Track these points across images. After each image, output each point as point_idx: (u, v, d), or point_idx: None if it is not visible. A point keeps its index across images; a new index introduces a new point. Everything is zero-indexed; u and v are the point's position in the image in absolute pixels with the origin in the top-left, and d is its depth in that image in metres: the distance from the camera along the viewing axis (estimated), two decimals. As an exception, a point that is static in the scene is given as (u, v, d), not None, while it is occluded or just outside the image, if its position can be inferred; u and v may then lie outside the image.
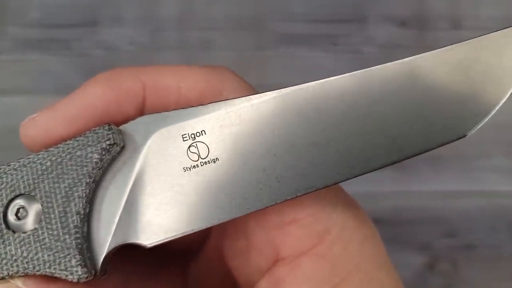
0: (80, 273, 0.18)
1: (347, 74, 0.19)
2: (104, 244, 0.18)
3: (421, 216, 0.42)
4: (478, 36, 0.19)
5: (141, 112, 0.21)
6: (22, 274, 0.18)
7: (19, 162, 0.19)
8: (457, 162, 0.43)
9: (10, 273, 0.18)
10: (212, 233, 0.25)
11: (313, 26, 0.45)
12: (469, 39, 0.19)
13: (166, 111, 0.19)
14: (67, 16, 0.45)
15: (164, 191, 0.19)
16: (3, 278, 0.18)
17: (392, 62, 0.19)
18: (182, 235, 0.18)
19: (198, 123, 0.19)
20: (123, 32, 0.45)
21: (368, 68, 0.19)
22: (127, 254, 0.22)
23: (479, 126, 0.18)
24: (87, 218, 0.18)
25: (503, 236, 0.41)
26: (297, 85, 0.19)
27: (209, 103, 0.19)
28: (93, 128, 0.19)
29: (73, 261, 0.18)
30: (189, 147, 0.19)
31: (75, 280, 0.18)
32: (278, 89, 0.19)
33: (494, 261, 0.41)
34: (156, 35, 0.45)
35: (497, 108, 0.18)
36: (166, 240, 0.18)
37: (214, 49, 0.44)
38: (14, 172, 0.19)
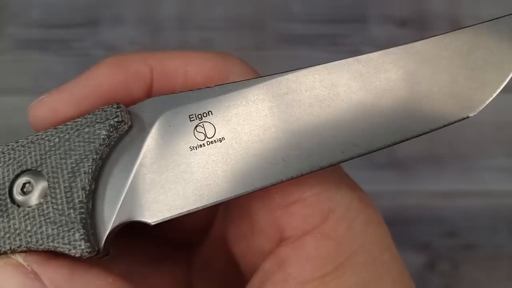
0: (83, 247, 0.18)
1: (352, 58, 0.19)
2: (108, 221, 0.18)
3: (421, 216, 0.42)
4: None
5: (149, 94, 0.21)
6: (25, 249, 0.18)
7: (27, 139, 0.19)
8: (457, 161, 0.43)
9: (13, 247, 0.18)
10: (216, 222, 0.25)
11: (313, 26, 0.45)
12: (469, 26, 0.19)
13: (174, 93, 0.20)
14: (67, 16, 0.45)
15: (170, 170, 0.19)
16: (5, 252, 0.18)
17: (394, 47, 0.19)
18: (186, 212, 0.19)
19: (205, 104, 0.19)
20: (123, 32, 0.45)
21: (371, 53, 0.19)
22: (131, 243, 0.22)
23: (481, 108, 0.18)
24: (92, 194, 0.18)
25: (503, 236, 0.41)
26: (304, 67, 0.19)
27: (216, 85, 0.20)
28: (102, 107, 0.19)
29: (77, 235, 0.18)
30: (196, 127, 0.19)
31: (78, 255, 0.18)
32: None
33: (494, 261, 0.41)
34: (156, 35, 0.45)
35: (497, 91, 0.18)
36: (170, 218, 0.19)
37: (214, 49, 0.44)
38: (22, 148, 0.19)
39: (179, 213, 0.19)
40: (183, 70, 0.21)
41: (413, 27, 0.45)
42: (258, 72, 0.22)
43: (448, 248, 0.41)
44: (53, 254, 0.18)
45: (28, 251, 0.18)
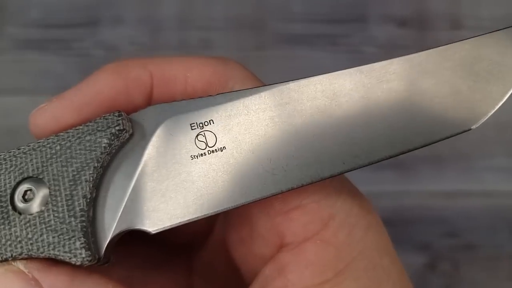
0: (84, 255, 0.18)
1: (355, 68, 0.19)
2: (109, 229, 0.18)
3: (421, 216, 0.42)
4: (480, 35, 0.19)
5: (149, 101, 0.21)
6: (26, 256, 0.18)
7: (29, 146, 0.19)
8: (458, 162, 0.42)
9: (14, 254, 0.18)
10: (216, 226, 0.25)
11: (313, 26, 0.45)
12: (472, 37, 0.19)
13: (175, 100, 0.20)
14: (67, 16, 0.45)
15: (171, 178, 0.19)
16: (6, 259, 0.18)
17: (397, 58, 0.19)
18: (187, 222, 0.19)
19: (207, 113, 0.19)
20: (123, 32, 0.45)
21: (374, 63, 0.19)
22: (131, 248, 0.22)
23: (483, 120, 0.18)
24: (93, 202, 0.18)
25: (504, 236, 0.41)
26: (304, 77, 0.19)
27: (217, 94, 0.20)
28: (103, 115, 0.19)
29: (78, 244, 0.18)
30: (197, 135, 0.19)
31: (79, 263, 0.18)
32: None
33: (495, 261, 0.41)
34: (156, 35, 0.45)
35: (500, 103, 0.19)
36: (170, 227, 0.19)
37: (214, 49, 0.44)
38: (24, 155, 0.19)
39: (180, 222, 0.19)
40: (183, 76, 0.21)
41: (413, 27, 0.45)
42: (257, 75, 0.22)
43: (449, 248, 0.41)
44: (54, 261, 0.18)
45: (29, 258, 0.18)
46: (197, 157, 0.19)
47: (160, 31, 0.45)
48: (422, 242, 0.41)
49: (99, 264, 0.18)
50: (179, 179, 0.19)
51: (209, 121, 0.19)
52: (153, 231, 0.18)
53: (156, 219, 0.18)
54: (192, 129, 0.19)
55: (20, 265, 0.18)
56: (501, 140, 0.43)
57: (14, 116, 0.43)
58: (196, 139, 0.19)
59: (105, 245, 0.18)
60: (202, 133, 0.19)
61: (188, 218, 0.19)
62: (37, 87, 0.44)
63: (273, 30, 0.45)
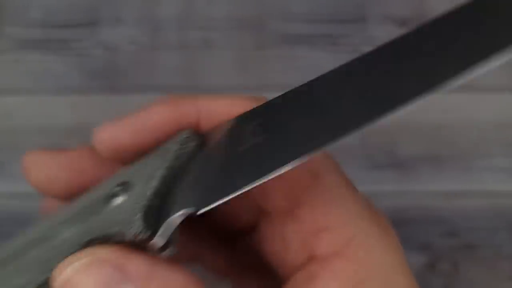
0: (140, 228, 0.20)
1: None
2: (167, 215, 0.20)
3: (421, 216, 0.42)
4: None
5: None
6: (102, 238, 0.20)
7: (132, 164, 0.24)
8: (458, 162, 0.43)
9: (94, 237, 0.21)
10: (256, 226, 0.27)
11: (313, 26, 0.45)
12: None
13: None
14: (67, 16, 0.45)
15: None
16: (90, 241, 0.20)
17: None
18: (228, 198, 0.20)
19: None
20: (123, 32, 0.45)
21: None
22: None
23: None
24: (160, 196, 0.21)
25: (504, 236, 0.41)
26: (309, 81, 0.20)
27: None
28: (178, 131, 0.24)
29: (138, 215, 0.20)
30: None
31: (132, 235, 0.20)
32: (277, 89, 0.19)
33: (495, 261, 0.41)
34: (156, 35, 0.45)
35: None
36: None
37: (214, 49, 0.44)
38: (127, 169, 0.24)
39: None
40: (227, 112, 0.23)
41: (413, 27, 0.45)
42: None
43: (449, 248, 0.41)
44: (130, 248, 0.20)
45: (105, 242, 0.20)
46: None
47: (160, 31, 0.45)
48: (422, 242, 0.41)
49: (153, 243, 0.20)
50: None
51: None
52: (198, 212, 0.20)
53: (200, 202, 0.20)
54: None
55: (103, 251, 0.20)
56: (500, 140, 0.43)
57: (14, 116, 0.43)
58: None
59: (163, 228, 0.20)
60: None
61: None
62: (37, 87, 0.44)
63: (273, 30, 0.45)
